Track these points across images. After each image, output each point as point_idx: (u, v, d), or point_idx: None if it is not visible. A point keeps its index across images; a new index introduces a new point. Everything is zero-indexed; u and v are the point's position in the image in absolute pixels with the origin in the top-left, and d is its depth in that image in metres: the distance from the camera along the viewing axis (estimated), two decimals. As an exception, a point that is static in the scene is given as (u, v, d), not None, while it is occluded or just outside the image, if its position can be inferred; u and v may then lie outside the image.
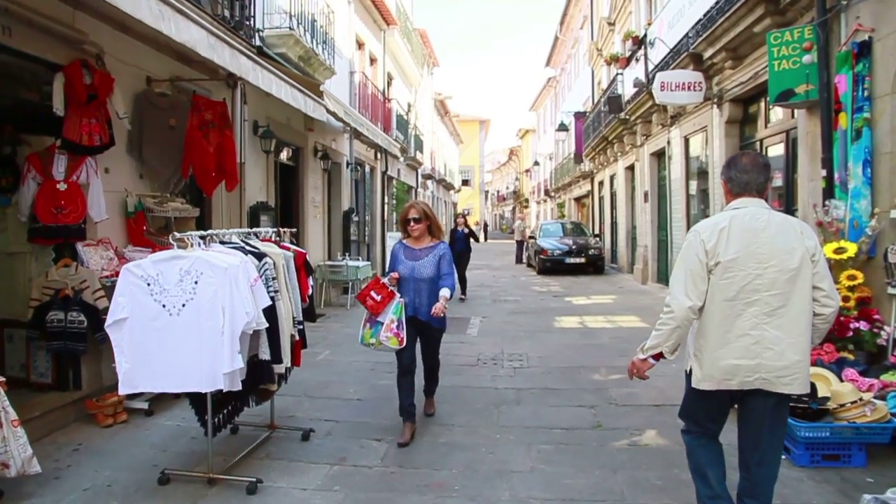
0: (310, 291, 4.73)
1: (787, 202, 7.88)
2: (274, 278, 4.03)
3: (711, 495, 3.01)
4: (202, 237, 3.77)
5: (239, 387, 3.60)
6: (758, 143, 8.84)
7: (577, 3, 26.48)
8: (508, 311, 11.32)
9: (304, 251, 4.75)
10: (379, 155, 17.18)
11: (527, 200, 51.24)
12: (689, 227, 11.91)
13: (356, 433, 4.98)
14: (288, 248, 4.55)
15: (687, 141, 11.75)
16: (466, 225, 13.36)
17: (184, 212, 6.11)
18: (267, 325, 3.77)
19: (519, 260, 23.84)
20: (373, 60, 17.37)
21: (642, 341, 3.09)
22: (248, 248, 4.06)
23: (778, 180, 8.29)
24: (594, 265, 18.32)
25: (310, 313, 4.90)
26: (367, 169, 16.10)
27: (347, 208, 13.77)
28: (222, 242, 4.02)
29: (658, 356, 2.99)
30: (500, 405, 5.64)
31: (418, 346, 5.01)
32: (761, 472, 2.93)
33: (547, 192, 37.35)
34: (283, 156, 10.79)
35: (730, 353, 2.80)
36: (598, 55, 21.32)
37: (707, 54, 9.12)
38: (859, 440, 4.08)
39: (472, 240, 13.44)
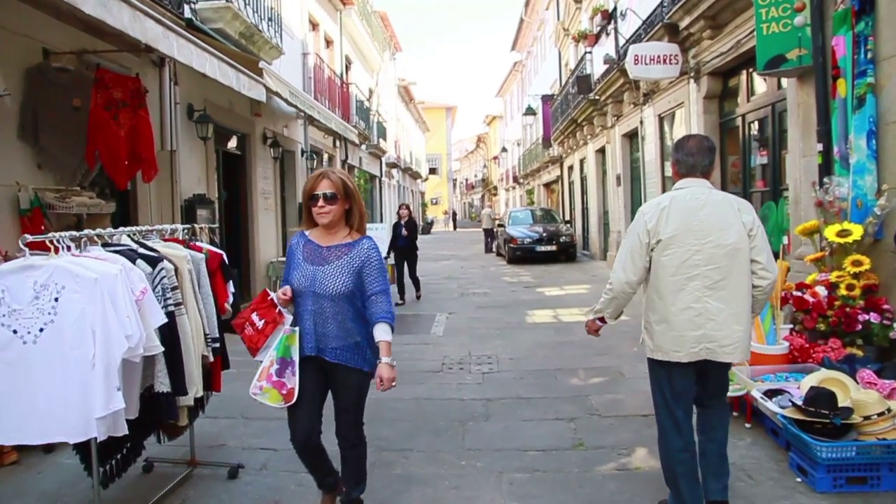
0: (230, 300, 3.91)
1: (774, 182, 7.26)
2: (174, 288, 3.21)
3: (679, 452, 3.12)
4: (74, 238, 2.93)
5: (123, 431, 2.78)
6: (739, 118, 8.21)
7: (541, -16, 25.74)
8: (477, 305, 10.60)
9: (220, 252, 3.92)
10: (338, 143, 16.28)
11: (495, 188, 50.60)
12: (665, 211, 11.34)
13: (296, 465, 4.15)
14: (200, 249, 3.72)
15: (661, 120, 11.11)
16: (410, 217, 11.36)
17: (93, 207, 5.22)
18: (162, 348, 2.96)
19: (488, 249, 23.17)
20: (329, 42, 16.42)
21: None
22: (140, 250, 3.23)
23: (763, 158, 7.67)
24: (566, 253, 17.69)
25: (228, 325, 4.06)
26: (326, 157, 15.20)
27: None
28: (106, 245, 3.18)
29: (603, 319, 3.36)
30: (467, 421, 4.89)
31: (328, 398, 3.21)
32: (715, 413, 3.24)
33: (515, 179, 36.73)
34: (231, 144, 9.88)
35: (676, 325, 2.99)
36: (564, 35, 20.64)
37: (683, 24, 8.44)
38: (891, 460, 3.43)
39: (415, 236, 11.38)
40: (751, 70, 7.87)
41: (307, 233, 3.06)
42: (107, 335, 2.61)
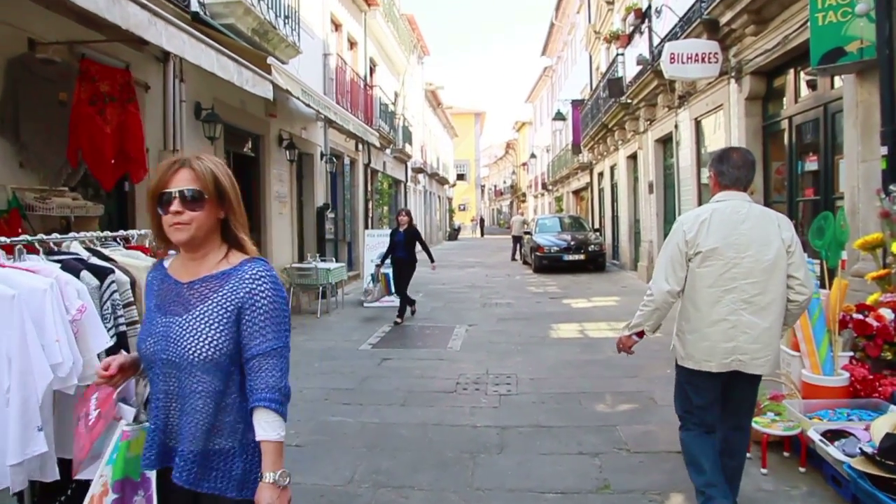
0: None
1: (825, 190, 6.60)
2: (129, 304, 2.75)
3: (706, 483, 3.11)
4: (7, 246, 2.48)
5: (54, 476, 2.32)
6: (785, 121, 7.56)
7: (573, -14, 25.15)
8: (499, 317, 10.04)
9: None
10: (360, 146, 15.89)
11: (524, 195, 49.93)
12: (700, 221, 10.66)
13: None
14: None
15: (698, 123, 10.45)
16: (410, 224, 9.89)
17: (78, 209, 4.81)
18: (105, 376, 2.48)
19: (514, 257, 22.61)
20: (353, 44, 16.06)
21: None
22: (92, 260, 2.77)
23: (812, 164, 7.01)
24: (594, 262, 17.03)
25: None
26: (347, 161, 14.80)
27: (322, 204, 12.48)
28: (51, 252, 2.73)
29: (641, 334, 3.31)
30: (478, 454, 4.36)
31: None
32: (737, 436, 3.23)
33: (544, 186, 36.04)
34: (244, 145, 9.50)
35: (709, 335, 3.02)
36: (595, 38, 20.01)
37: (724, 19, 7.83)
38: None
39: (419, 245, 9.97)
40: (799, 68, 7.23)
41: (166, 263, 1.92)
42: (26, 365, 2.15)
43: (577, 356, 7.20)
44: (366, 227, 16.53)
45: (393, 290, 10.39)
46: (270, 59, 6.72)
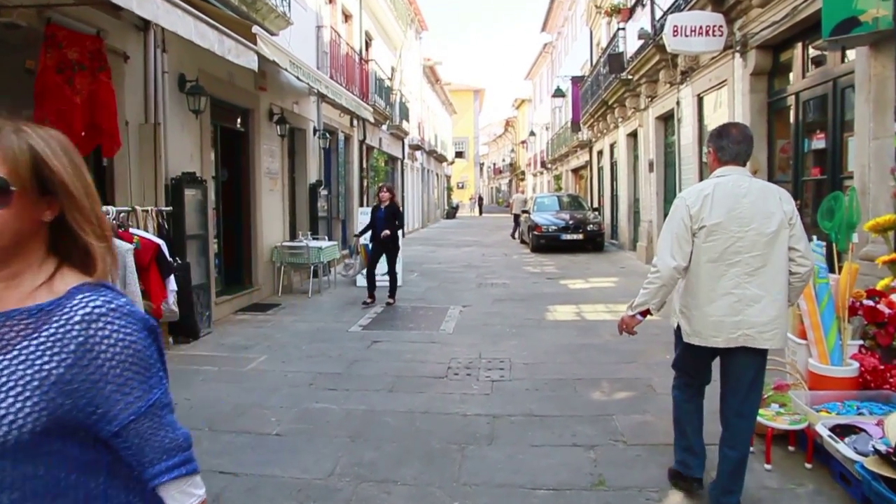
0: (169, 298, 3.20)
1: (833, 169, 6.34)
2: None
3: (685, 446, 3.34)
4: None
5: None
6: (791, 97, 7.27)
7: (574, -41, 24.58)
8: (494, 297, 9.82)
9: (156, 241, 3.21)
10: (356, 122, 15.55)
11: (523, 173, 49.52)
12: (702, 200, 10.39)
13: (255, 499, 3.50)
14: (130, 238, 3.00)
15: (700, 100, 10.15)
16: (392, 200, 9.27)
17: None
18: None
19: (512, 235, 22.43)
20: (347, 16, 15.63)
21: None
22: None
23: (819, 142, 6.74)
24: (593, 242, 16.79)
25: (180, 327, 3.37)
26: (342, 137, 14.47)
27: (315, 181, 12.19)
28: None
29: (645, 313, 3.24)
30: (467, 445, 4.15)
31: None
32: (741, 424, 3.14)
33: (543, 164, 35.68)
34: (232, 119, 9.19)
35: (715, 310, 3.01)
36: (596, 13, 19.56)
37: (731, -10, 7.50)
38: None
39: (398, 225, 9.40)
40: (807, 41, 6.93)
41: None
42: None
43: (573, 340, 6.99)
44: (360, 204, 16.23)
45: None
46: (255, 29, 6.40)
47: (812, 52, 6.92)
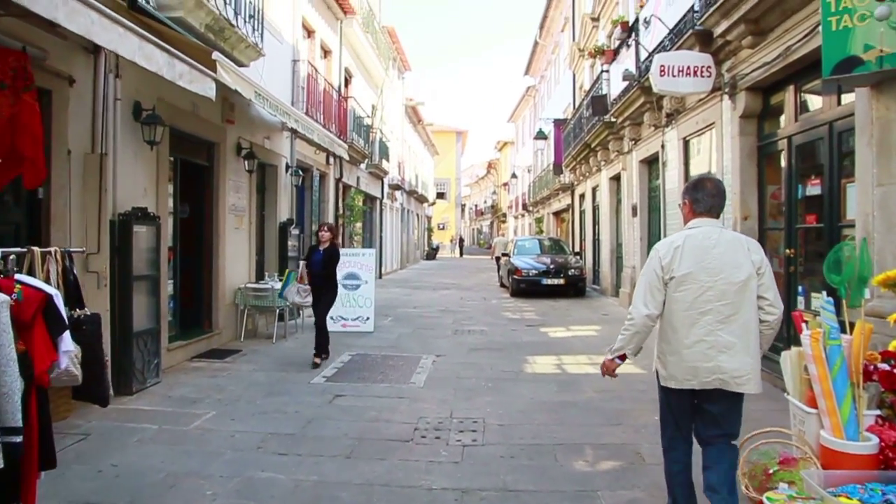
0: (61, 361, 2.62)
1: (830, 216, 5.94)
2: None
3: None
4: None
5: None
6: (783, 141, 6.93)
7: (557, 6, 24.81)
8: (470, 346, 9.26)
9: (46, 291, 2.63)
10: (332, 159, 15.12)
11: (504, 215, 49.42)
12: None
13: None
14: (10, 287, 2.43)
15: (686, 143, 9.85)
16: (333, 241, 8.07)
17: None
18: None
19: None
20: (326, 52, 15.34)
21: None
22: None
23: (814, 188, 6.38)
24: (574, 287, 16.35)
25: (85, 394, 2.80)
26: (317, 174, 14.02)
27: (286, 219, 11.65)
28: None
29: (623, 357, 3.40)
30: (430, 529, 3.56)
31: None
32: (724, 446, 3.29)
33: (525, 207, 35.53)
34: (195, 152, 8.68)
35: (689, 356, 3.19)
36: (580, 56, 19.57)
37: (719, 30, 7.20)
38: None
39: (333, 265, 7.99)
40: (800, 84, 6.62)
41: None
42: None
43: (553, 396, 6.43)
44: (336, 244, 15.70)
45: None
46: (216, 55, 5.96)
47: (805, 95, 6.61)
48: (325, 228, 8.05)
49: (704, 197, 3.33)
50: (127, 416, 5.58)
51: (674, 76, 7.74)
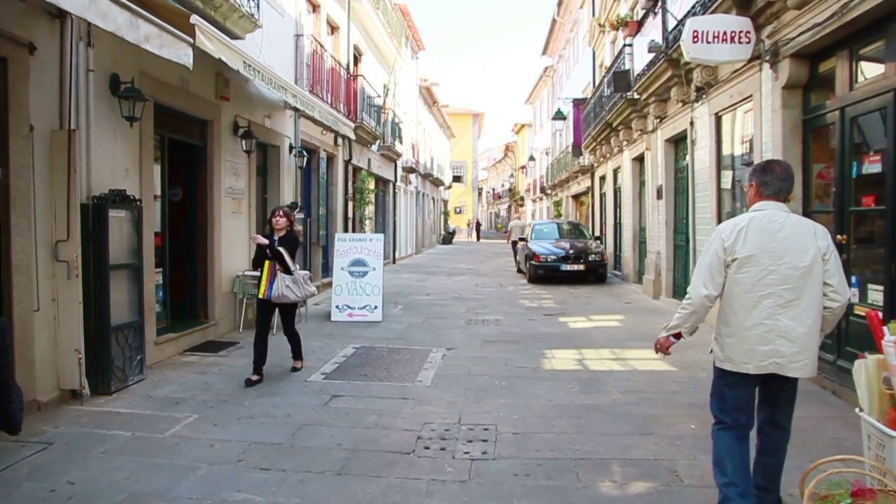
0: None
1: (894, 197, 5.20)
2: None
3: (727, 482, 3.22)
4: None
5: None
6: (833, 113, 6.16)
7: (576, -20, 23.81)
8: (484, 338, 8.63)
9: None
10: (340, 140, 14.48)
11: (522, 199, 48.57)
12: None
13: None
14: None
15: (719, 119, 9.06)
16: (291, 228, 6.62)
17: None
18: None
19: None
20: (333, 28, 14.65)
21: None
22: None
23: (873, 166, 5.62)
24: (595, 273, 15.64)
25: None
26: (324, 156, 13.38)
27: (290, 203, 11.05)
28: None
29: (678, 335, 3.41)
30: (426, 575, 2.95)
31: None
32: (776, 433, 3.36)
33: (543, 190, 34.69)
34: (185, 131, 8.09)
35: (747, 339, 3.17)
36: (600, 32, 18.68)
37: (761, -11, 6.44)
38: None
39: (288, 257, 6.42)
40: (857, 48, 5.84)
41: None
42: None
43: (574, 398, 5.79)
44: (346, 229, 15.13)
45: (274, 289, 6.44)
46: (195, 19, 5.32)
47: (863, 61, 5.83)
48: (280, 213, 6.64)
49: (773, 180, 3.28)
50: (99, 420, 5.03)
51: (708, 42, 6.97)
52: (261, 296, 6.49)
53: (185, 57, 5.07)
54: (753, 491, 3.24)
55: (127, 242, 6.00)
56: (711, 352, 3.37)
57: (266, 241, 6.41)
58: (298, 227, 7.19)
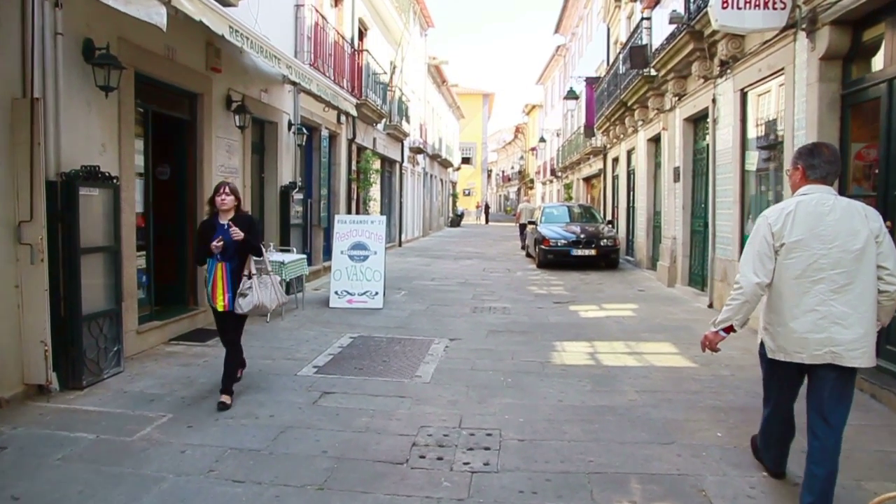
0: None
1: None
2: None
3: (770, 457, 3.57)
4: None
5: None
6: (880, 86, 5.56)
7: (591, -46, 22.98)
8: (490, 327, 8.13)
9: None
10: (344, 118, 13.93)
11: (531, 181, 47.89)
12: (743, 215, 8.66)
13: None
14: None
15: (744, 96, 8.45)
16: (240, 210, 5.15)
17: None
18: None
19: (523, 245, 21.06)
20: (337, 0, 14.03)
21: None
22: None
23: (924, 144, 5.04)
24: (607, 258, 15.08)
25: None
26: (326, 134, 12.84)
27: (288, 182, 10.56)
28: None
29: (729, 329, 3.30)
30: None
31: None
32: (829, 436, 3.10)
33: (553, 172, 34.02)
34: (183, 106, 7.58)
35: (799, 326, 3.06)
36: (615, 7, 17.97)
37: (800, -52, 5.82)
38: None
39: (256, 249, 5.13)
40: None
41: None
42: None
43: (586, 398, 5.29)
44: (349, 210, 14.63)
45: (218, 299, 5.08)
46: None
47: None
48: (226, 190, 4.96)
49: (822, 163, 3.20)
50: (64, 420, 4.58)
51: (739, 8, 6.38)
52: (219, 308, 4.98)
53: (158, 16, 4.56)
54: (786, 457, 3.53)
55: (102, 223, 5.51)
56: (761, 343, 3.29)
57: (219, 245, 4.83)
58: (246, 208, 5.22)
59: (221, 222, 5.00)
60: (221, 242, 4.88)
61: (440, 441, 4.30)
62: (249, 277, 5.07)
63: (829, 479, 3.06)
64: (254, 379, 5.68)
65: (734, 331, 3.30)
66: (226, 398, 4.94)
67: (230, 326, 5.19)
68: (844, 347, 2.99)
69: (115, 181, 5.63)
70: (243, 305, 5.01)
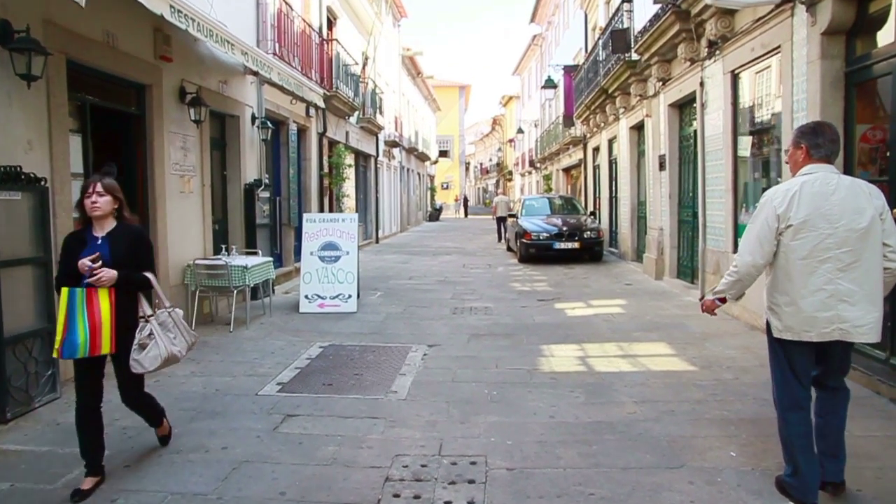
0: None
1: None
2: None
3: (792, 471, 3.25)
4: None
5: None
6: (889, 62, 5.08)
7: (566, -61, 22.44)
8: (472, 331, 7.57)
9: None
10: (314, 111, 13.26)
11: (510, 173, 47.41)
12: (737, 204, 8.18)
13: None
14: None
15: (735, 77, 7.96)
16: (122, 213, 3.70)
17: None
18: None
19: (500, 238, 20.98)
20: (303, -13, 13.36)
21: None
22: None
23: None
24: (590, 251, 14.59)
25: None
26: (294, 128, 12.17)
27: (253, 180, 9.90)
28: None
29: (723, 299, 3.42)
30: None
31: None
32: (838, 395, 3.30)
33: (532, 164, 33.53)
34: (129, 99, 6.89)
35: (807, 305, 3.07)
36: (593, -8, 17.42)
37: (800, -90, 5.31)
38: None
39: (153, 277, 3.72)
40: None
41: None
42: None
43: (580, 412, 4.75)
44: (321, 208, 13.98)
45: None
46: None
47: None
48: (97, 189, 3.56)
49: (825, 142, 3.18)
50: (-21, 462, 3.94)
51: (733, -19, 5.85)
52: (80, 353, 3.47)
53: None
54: (818, 477, 3.20)
55: (27, 232, 4.85)
56: (767, 323, 3.28)
57: (92, 265, 3.40)
58: (132, 216, 3.90)
59: (96, 235, 3.60)
60: (99, 259, 3.46)
61: (417, 474, 3.74)
62: (147, 321, 3.70)
63: (841, 424, 3.28)
64: (210, 401, 5.08)
65: (727, 301, 3.44)
66: (87, 483, 3.55)
67: (126, 376, 3.72)
68: (851, 324, 3.04)
69: (42, 183, 4.96)
70: (145, 362, 3.64)
